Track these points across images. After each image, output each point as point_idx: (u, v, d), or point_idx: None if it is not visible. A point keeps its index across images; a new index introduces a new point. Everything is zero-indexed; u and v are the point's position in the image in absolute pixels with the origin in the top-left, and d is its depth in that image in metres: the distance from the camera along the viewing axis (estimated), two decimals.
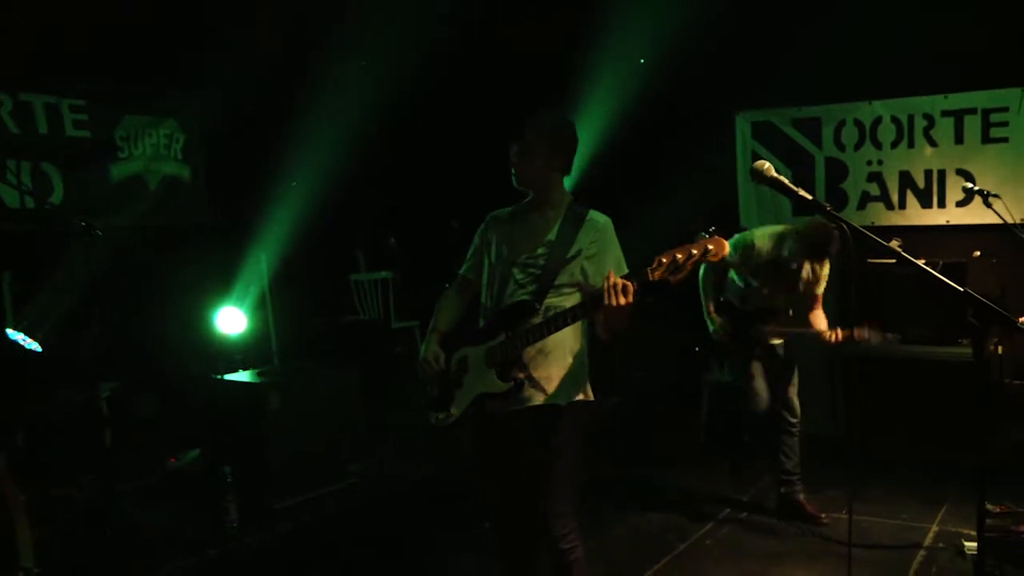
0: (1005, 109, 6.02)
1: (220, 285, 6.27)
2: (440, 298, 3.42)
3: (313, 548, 4.89)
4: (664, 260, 2.84)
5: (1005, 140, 6.03)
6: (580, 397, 3.22)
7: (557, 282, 3.14)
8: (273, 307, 6.58)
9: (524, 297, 3.14)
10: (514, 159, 3.20)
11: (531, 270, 3.17)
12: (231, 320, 5.97)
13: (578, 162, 3.51)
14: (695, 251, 2.83)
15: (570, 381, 3.19)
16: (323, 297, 7.60)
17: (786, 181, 2.70)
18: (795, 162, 6.60)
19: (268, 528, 5.05)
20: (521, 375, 3.14)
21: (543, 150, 3.17)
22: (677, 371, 7.10)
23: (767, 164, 2.71)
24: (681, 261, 2.83)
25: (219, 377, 5.58)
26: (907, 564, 4.39)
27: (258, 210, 6.55)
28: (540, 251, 3.17)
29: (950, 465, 5.34)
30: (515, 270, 3.19)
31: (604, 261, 3.14)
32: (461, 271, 3.41)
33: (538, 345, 3.11)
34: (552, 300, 3.13)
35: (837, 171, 6.59)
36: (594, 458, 5.74)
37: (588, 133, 6.75)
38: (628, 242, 3.28)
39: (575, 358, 3.20)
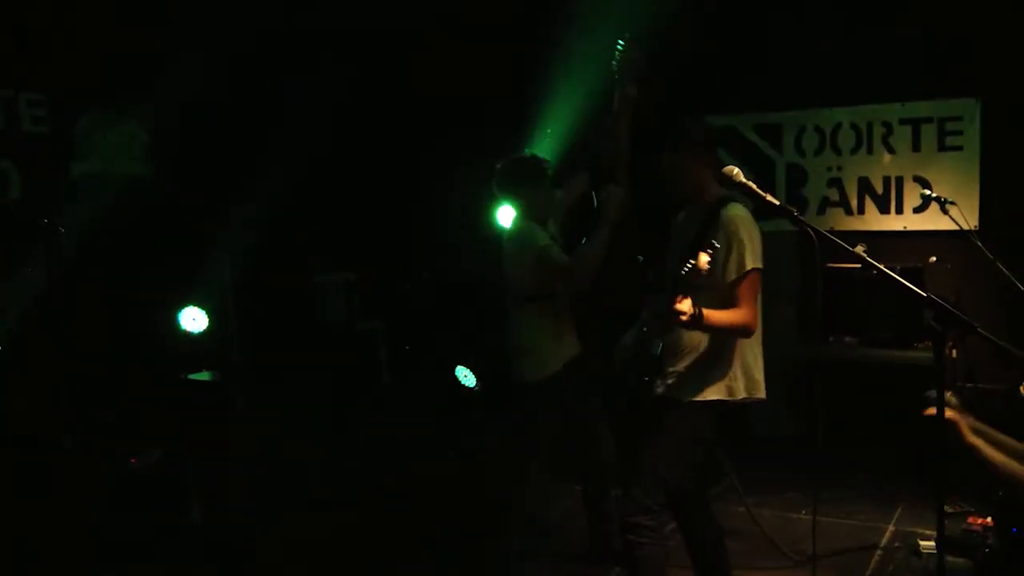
0: (960, 119, 6.14)
1: (182, 285, 6.20)
2: None
3: (276, 549, 4.86)
4: (693, 263, 2.95)
5: (960, 149, 6.15)
6: (712, 396, 3.31)
7: (691, 285, 3.09)
8: (236, 307, 6.53)
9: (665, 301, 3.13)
10: (663, 166, 3.37)
11: (673, 275, 3.12)
12: (193, 320, 5.92)
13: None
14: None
15: (704, 380, 3.31)
16: (286, 298, 7.55)
17: (754, 186, 2.75)
18: (757, 167, 6.68)
19: (231, 529, 5.02)
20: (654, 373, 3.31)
21: (688, 154, 3.35)
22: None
23: (736, 169, 2.77)
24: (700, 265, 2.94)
25: (181, 377, 5.53)
26: (864, 564, 4.48)
27: (221, 210, 6.49)
28: (682, 258, 3.11)
29: (905, 466, 5.45)
30: (666, 277, 3.21)
31: (728, 259, 3.19)
32: None
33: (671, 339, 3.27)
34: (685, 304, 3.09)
35: (798, 177, 6.68)
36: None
37: (547, 138, 6.77)
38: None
39: (713, 360, 3.32)
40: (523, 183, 4.32)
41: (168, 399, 5.59)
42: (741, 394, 3.37)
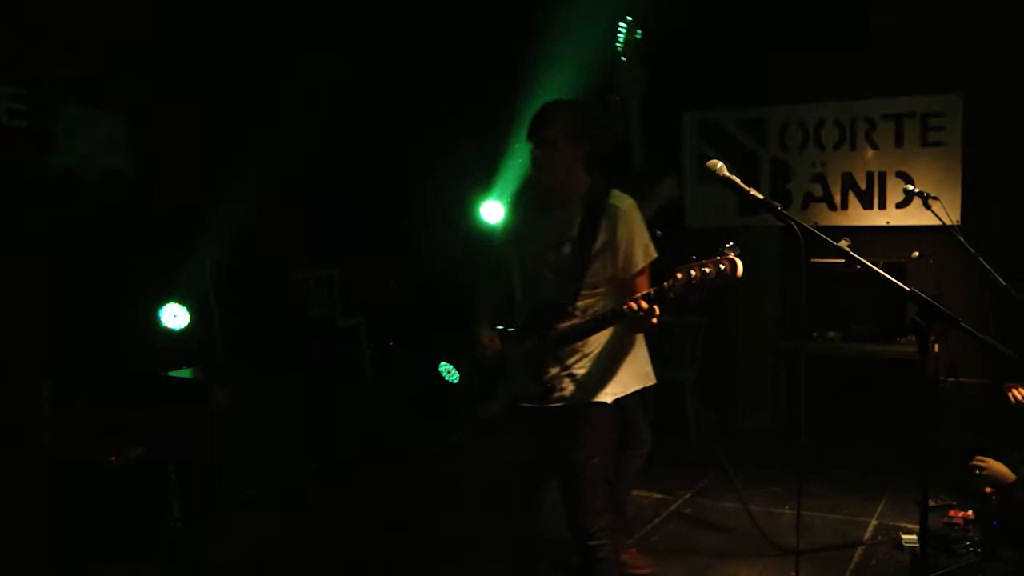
0: (942, 114, 6.17)
1: (164, 280, 6.15)
2: (479, 286, 3.36)
3: (257, 548, 4.83)
4: (680, 276, 2.78)
5: (942, 144, 6.19)
6: (621, 394, 3.20)
7: (588, 280, 3.07)
8: (218, 303, 6.49)
9: (557, 298, 3.08)
10: (536, 155, 3.10)
11: (561, 270, 3.10)
12: (174, 316, 5.87)
13: (522, 163, 3.50)
14: (708, 269, 2.74)
15: (613, 377, 3.17)
16: (269, 294, 7.51)
17: (738, 180, 2.73)
18: (741, 162, 6.69)
19: (212, 527, 4.98)
20: (555, 377, 3.10)
21: (564, 142, 3.07)
22: None
23: (720, 163, 2.74)
24: (696, 279, 2.75)
25: (163, 374, 5.48)
26: (848, 557, 4.49)
27: (203, 205, 6.44)
28: (566, 251, 3.08)
29: (888, 460, 5.48)
30: (545, 271, 3.13)
31: (632, 249, 3.07)
32: (495, 253, 3.34)
33: (575, 345, 3.09)
34: (585, 301, 3.08)
35: (782, 172, 6.70)
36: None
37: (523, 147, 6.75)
38: None
39: (616, 354, 3.17)
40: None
41: (149, 396, 5.54)
42: (653, 377, 3.36)
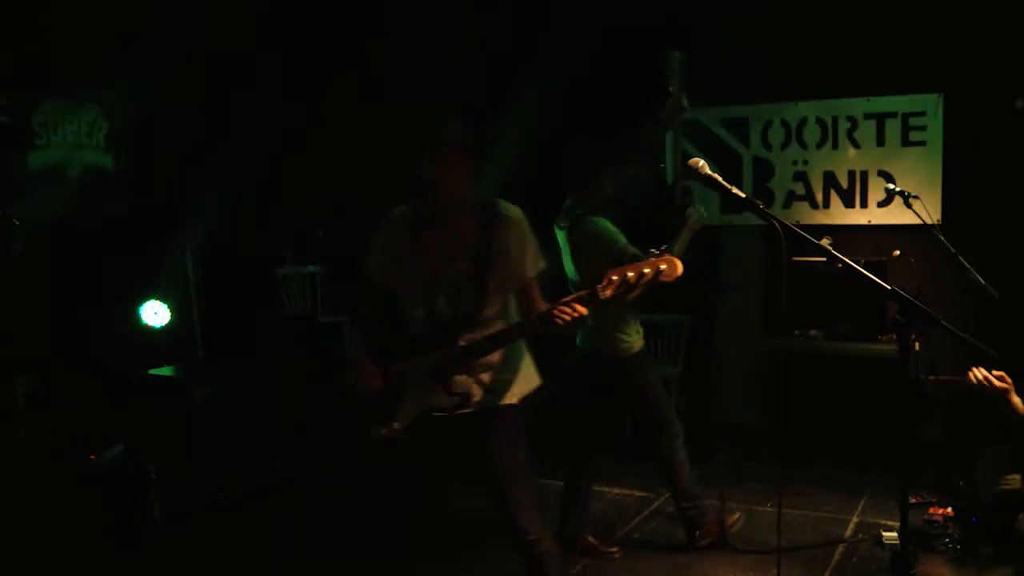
0: (923, 114, 6.20)
1: (144, 277, 6.11)
2: (356, 320, 3.33)
3: (237, 547, 4.81)
4: (615, 278, 2.81)
5: (923, 144, 6.21)
6: (528, 391, 3.25)
7: (490, 290, 3.09)
8: (198, 300, 6.45)
9: (460, 311, 3.10)
10: (436, 170, 3.03)
11: (459, 284, 3.10)
12: (155, 313, 5.83)
13: (504, 164, 3.49)
14: (647, 270, 2.79)
15: (517, 379, 3.22)
16: (250, 290, 7.47)
17: (720, 178, 2.74)
18: (723, 161, 6.70)
19: (192, 526, 4.95)
20: (466, 386, 3.11)
21: (463, 156, 3.06)
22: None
23: (701, 161, 2.75)
24: (633, 280, 2.79)
25: (143, 371, 5.45)
26: (829, 554, 4.51)
27: (183, 201, 6.40)
28: (463, 264, 3.09)
29: (869, 458, 5.51)
30: (442, 286, 3.12)
31: (524, 257, 3.10)
32: (368, 278, 3.26)
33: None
34: (489, 310, 3.11)
35: (764, 170, 6.71)
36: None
37: (513, 134, 6.74)
38: (550, 241, 3.27)
39: (519, 356, 3.23)
40: (596, 172, 4.39)
41: (129, 394, 5.50)
42: (539, 377, 3.38)
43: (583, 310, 2.87)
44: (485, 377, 3.15)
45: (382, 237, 3.21)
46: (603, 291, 2.82)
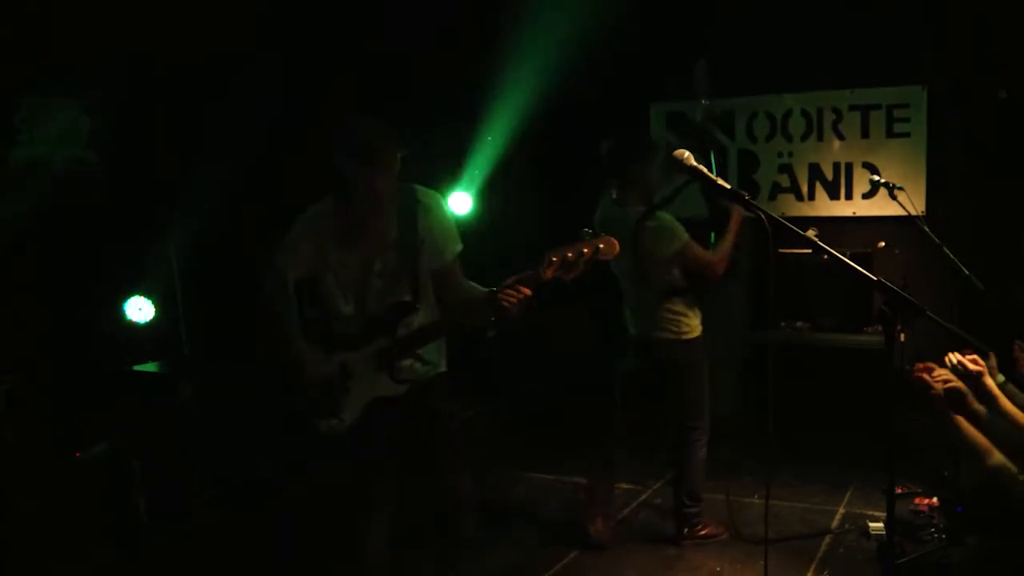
0: (907, 105, 6.21)
1: (128, 273, 6.06)
2: (277, 314, 3.29)
3: (224, 545, 4.78)
4: (555, 259, 2.94)
5: (907, 135, 6.23)
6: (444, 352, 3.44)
7: (421, 276, 3.21)
8: (184, 296, 6.41)
9: (396, 299, 3.20)
10: (389, 171, 3.10)
11: (390, 274, 3.19)
12: (139, 309, 5.79)
13: (490, 154, 3.57)
14: (586, 249, 2.94)
15: (441, 347, 3.40)
16: (238, 286, 7.42)
17: (705, 170, 2.74)
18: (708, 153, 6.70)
19: (179, 524, 4.93)
20: (410, 368, 3.24)
21: (380, 156, 3.11)
22: (586, 360, 7.15)
23: (687, 153, 2.75)
24: (573, 259, 2.93)
25: (127, 368, 5.41)
26: (816, 546, 4.53)
27: (169, 196, 6.35)
28: (392, 254, 3.18)
29: (855, 449, 5.52)
30: (372, 278, 3.20)
31: (445, 241, 3.24)
32: (286, 276, 3.25)
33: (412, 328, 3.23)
34: (422, 296, 3.23)
35: (749, 162, 6.72)
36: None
37: (497, 126, 6.73)
38: (540, 235, 3.34)
39: (439, 323, 3.34)
40: (636, 160, 4.39)
41: (113, 391, 5.46)
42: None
43: (527, 291, 2.98)
44: (423, 354, 3.28)
45: (306, 234, 3.24)
46: (544, 271, 2.95)
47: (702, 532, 4.60)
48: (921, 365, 3.15)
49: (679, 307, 4.47)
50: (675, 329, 4.46)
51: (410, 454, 3.34)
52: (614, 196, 4.50)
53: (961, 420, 3.03)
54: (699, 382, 4.54)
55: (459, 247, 3.28)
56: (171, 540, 4.78)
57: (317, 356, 3.21)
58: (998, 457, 2.97)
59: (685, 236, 4.35)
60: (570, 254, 2.93)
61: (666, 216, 4.39)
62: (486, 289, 3.12)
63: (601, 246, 2.96)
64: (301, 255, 3.22)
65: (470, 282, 3.27)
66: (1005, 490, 3.18)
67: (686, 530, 4.60)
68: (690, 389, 4.52)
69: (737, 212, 4.44)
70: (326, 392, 3.20)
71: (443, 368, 3.40)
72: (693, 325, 4.50)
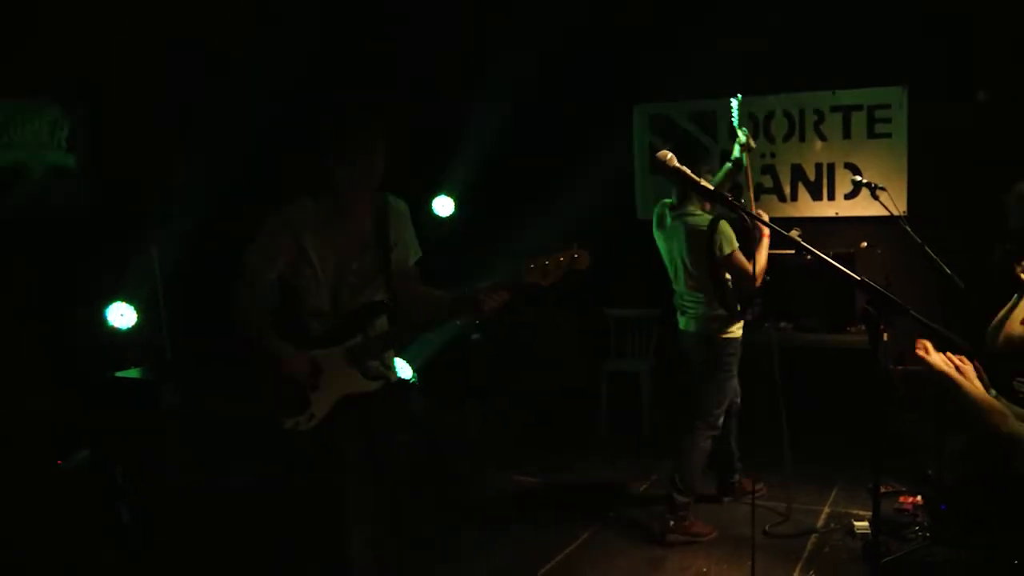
0: (888, 106, 6.25)
1: (110, 279, 6.02)
2: (248, 308, 3.31)
3: (206, 551, 4.75)
4: (532, 266, 3.07)
5: (888, 136, 6.26)
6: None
7: (394, 277, 3.33)
8: (167, 302, 6.36)
9: (367, 298, 3.30)
10: (373, 162, 3.20)
11: (366, 272, 3.29)
12: (121, 315, 5.74)
13: (472, 158, 3.70)
14: (562, 258, 3.09)
15: (396, 354, 3.63)
16: (221, 291, 7.37)
17: (688, 171, 2.74)
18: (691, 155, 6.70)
19: (161, 530, 4.89)
20: (378, 368, 3.34)
21: (365, 154, 3.20)
22: (571, 362, 7.16)
23: (670, 154, 2.76)
24: (551, 266, 3.08)
25: (109, 374, 5.37)
26: (802, 545, 4.54)
27: (151, 200, 6.31)
28: (369, 254, 3.28)
29: (839, 449, 5.55)
30: (349, 276, 3.27)
31: (409, 247, 3.42)
32: (253, 266, 3.27)
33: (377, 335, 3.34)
34: (397, 297, 3.35)
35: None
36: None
37: (481, 128, 6.73)
38: (522, 238, 3.42)
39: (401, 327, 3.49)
40: (697, 163, 4.51)
41: (95, 398, 5.42)
42: None
43: (505, 295, 3.10)
44: (387, 357, 3.43)
45: (283, 232, 3.24)
46: (525, 276, 3.09)
47: (690, 529, 4.66)
48: (921, 343, 3.17)
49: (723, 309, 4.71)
50: (718, 327, 4.69)
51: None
52: (674, 199, 4.78)
53: (970, 384, 3.03)
54: (727, 381, 4.76)
55: (420, 254, 3.46)
56: (153, 546, 4.74)
57: (288, 352, 3.22)
58: (1013, 423, 2.96)
59: (735, 244, 4.57)
60: (548, 261, 3.05)
61: (725, 223, 4.59)
62: (451, 294, 3.25)
63: (576, 256, 3.10)
64: (277, 251, 3.23)
65: (428, 287, 3.43)
66: (998, 472, 3.18)
67: (672, 523, 4.65)
68: (715, 385, 4.72)
69: (764, 233, 4.61)
70: (297, 388, 3.23)
71: (399, 375, 3.53)
72: (735, 328, 4.73)
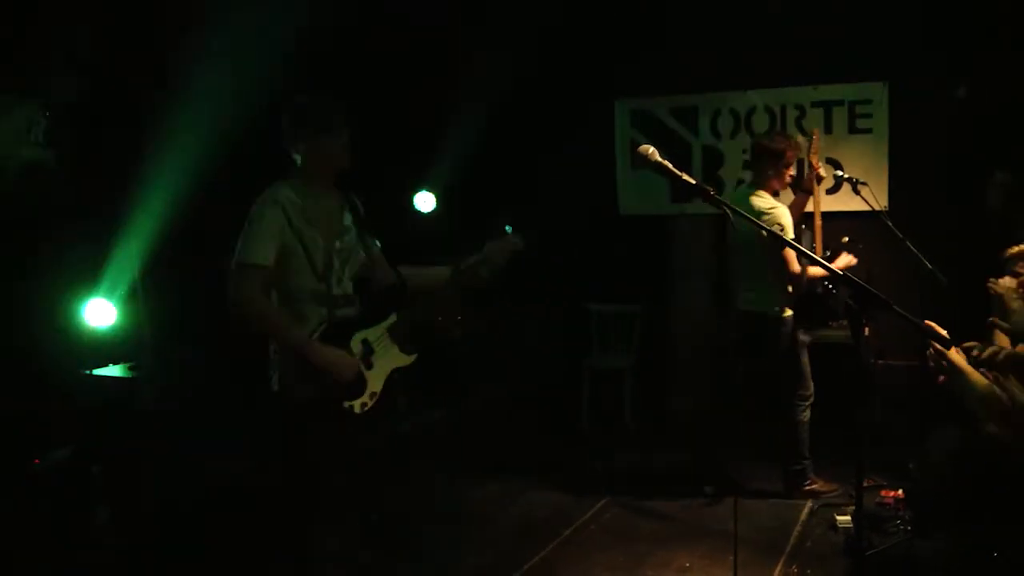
0: (869, 102, 6.27)
1: (88, 275, 5.96)
2: (263, 306, 3.19)
3: (184, 551, 4.71)
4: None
5: (869, 131, 6.29)
6: None
7: (376, 260, 3.46)
8: (147, 298, 6.31)
9: (355, 277, 3.40)
10: (346, 144, 3.31)
11: (349, 252, 3.36)
12: (100, 312, 5.68)
13: (452, 153, 3.91)
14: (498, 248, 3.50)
15: None
16: (202, 288, 7.31)
17: (670, 165, 2.73)
18: (673, 149, 6.70)
19: (140, 530, 4.84)
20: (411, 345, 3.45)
21: (333, 137, 3.27)
22: (553, 358, 7.15)
23: (651, 148, 2.74)
24: (487, 257, 3.45)
25: (87, 372, 5.31)
26: (785, 539, 4.55)
27: (129, 196, 6.25)
28: (348, 237, 3.35)
29: (821, 443, 5.55)
30: (335, 258, 3.29)
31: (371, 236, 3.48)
32: (260, 260, 3.15)
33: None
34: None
35: (713, 159, 6.75)
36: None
37: (461, 122, 6.70)
38: (504, 234, 3.53)
39: None
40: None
41: (73, 396, 5.37)
42: None
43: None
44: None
45: (277, 216, 3.17)
46: (465, 268, 3.41)
47: (810, 487, 5.10)
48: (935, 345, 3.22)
49: (783, 291, 4.98)
50: (778, 308, 4.98)
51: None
52: (748, 183, 5.22)
53: (975, 373, 3.05)
54: (799, 355, 5.12)
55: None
56: (132, 547, 4.69)
57: (314, 339, 3.16)
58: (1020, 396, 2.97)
59: (791, 235, 4.91)
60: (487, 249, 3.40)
61: (779, 207, 4.98)
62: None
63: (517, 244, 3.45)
64: (274, 241, 3.15)
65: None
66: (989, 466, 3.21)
67: (805, 487, 5.10)
68: (792, 359, 5.08)
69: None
70: (355, 372, 3.22)
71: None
72: (788, 309, 5.03)
